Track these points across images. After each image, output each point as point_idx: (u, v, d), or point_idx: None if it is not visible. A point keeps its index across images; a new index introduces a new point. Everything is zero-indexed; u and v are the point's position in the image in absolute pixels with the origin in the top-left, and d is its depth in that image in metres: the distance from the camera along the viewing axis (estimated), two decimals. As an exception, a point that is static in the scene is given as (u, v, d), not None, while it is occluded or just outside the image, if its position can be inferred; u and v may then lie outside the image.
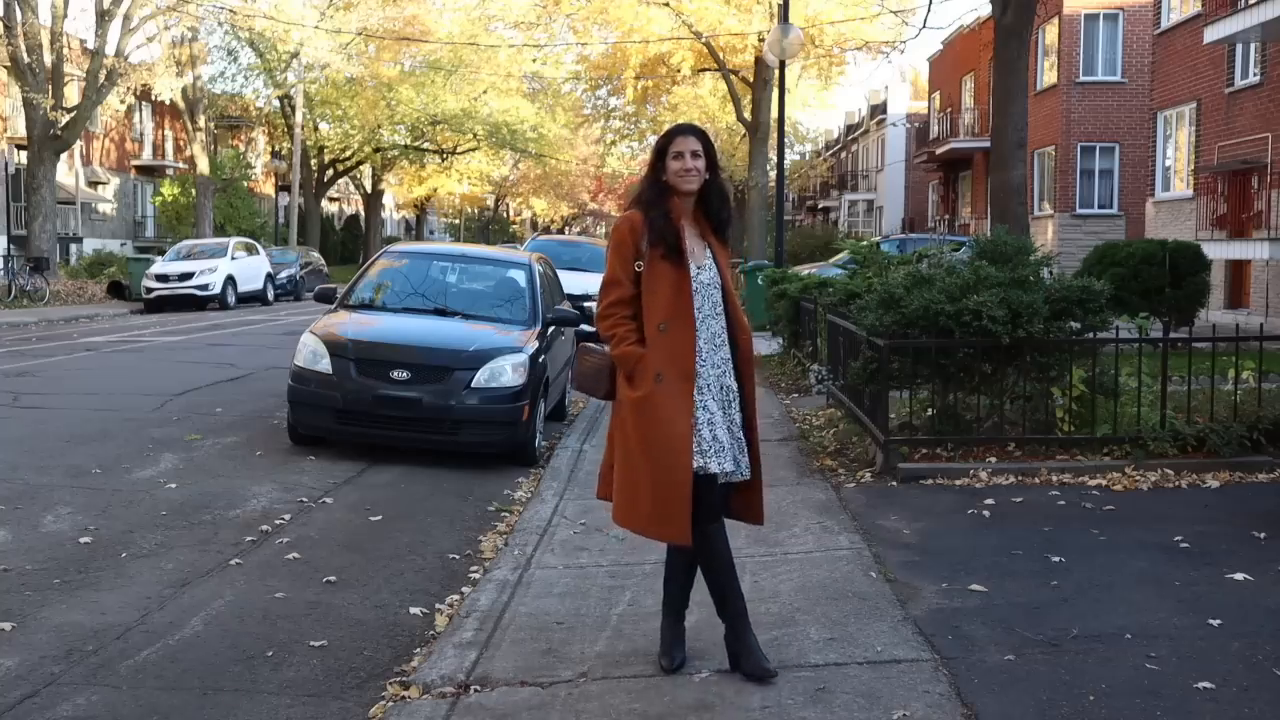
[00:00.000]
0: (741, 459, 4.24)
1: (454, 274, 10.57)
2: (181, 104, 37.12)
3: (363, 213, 61.30)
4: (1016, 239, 8.59)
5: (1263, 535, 5.97)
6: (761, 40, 25.91)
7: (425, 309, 9.73)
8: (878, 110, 54.00)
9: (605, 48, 33.35)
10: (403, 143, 49.20)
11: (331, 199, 63.40)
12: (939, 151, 37.87)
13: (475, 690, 4.25)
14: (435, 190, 59.71)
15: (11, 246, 31.55)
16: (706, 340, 4.22)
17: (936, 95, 41.96)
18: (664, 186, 4.23)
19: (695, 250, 4.25)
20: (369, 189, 56.75)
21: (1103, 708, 3.88)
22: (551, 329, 9.94)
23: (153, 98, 38.32)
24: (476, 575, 5.90)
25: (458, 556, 6.34)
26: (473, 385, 8.64)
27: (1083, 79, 28.61)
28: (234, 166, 44.93)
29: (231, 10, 34.79)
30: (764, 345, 14.66)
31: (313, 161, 48.43)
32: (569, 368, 11.52)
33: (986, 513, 6.55)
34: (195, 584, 5.64)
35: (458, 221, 79.35)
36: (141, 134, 47.05)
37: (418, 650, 4.81)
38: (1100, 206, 28.96)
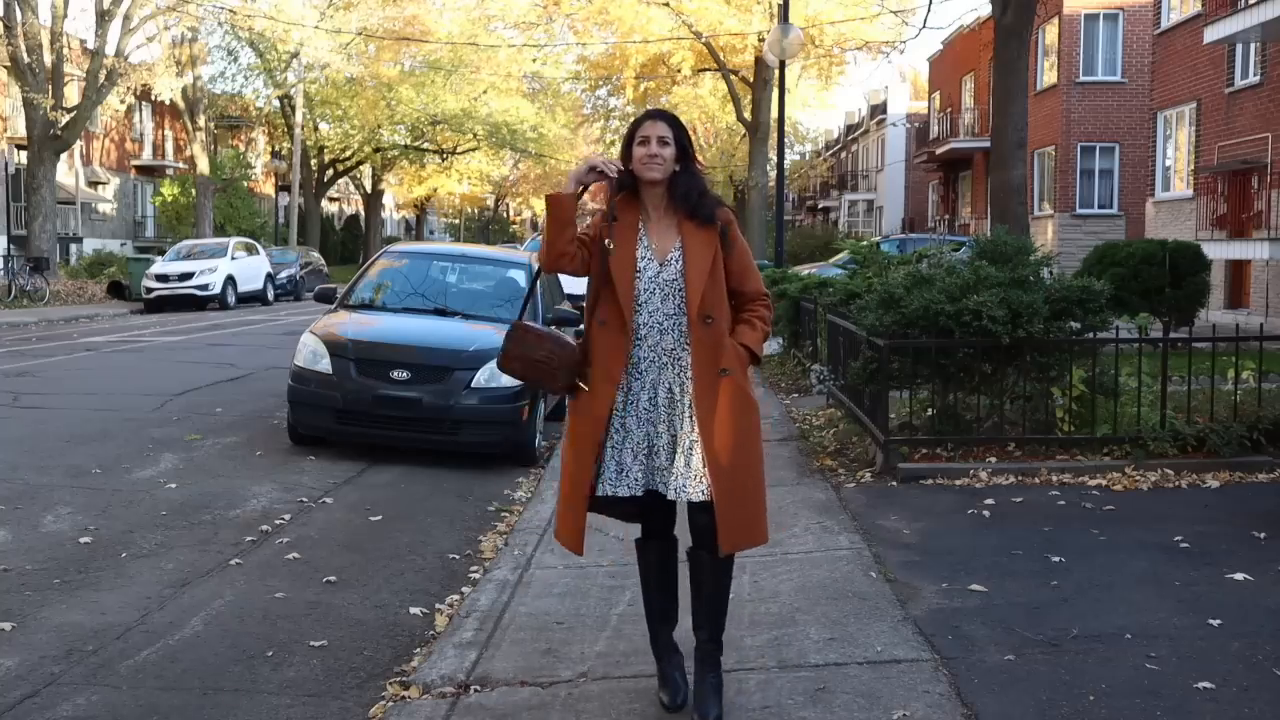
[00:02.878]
0: (679, 480, 3.81)
1: (454, 274, 10.57)
2: (181, 104, 37.14)
3: (363, 213, 61.31)
4: (1016, 239, 8.59)
5: (1263, 535, 5.96)
6: (761, 40, 25.92)
7: (425, 309, 9.73)
8: (878, 110, 53.99)
9: (605, 48, 33.37)
10: (403, 143, 49.22)
11: (331, 199, 63.40)
12: (939, 151, 37.88)
13: (475, 690, 4.25)
14: (435, 190, 59.75)
15: (11, 246, 31.56)
16: (650, 348, 3.86)
17: (936, 95, 41.96)
18: (630, 175, 3.88)
19: (658, 245, 3.88)
20: (369, 189, 56.76)
21: (1103, 708, 3.88)
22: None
23: (153, 98, 38.32)
24: (476, 575, 5.90)
25: (458, 556, 6.34)
26: (473, 385, 8.64)
27: (1083, 79, 28.61)
28: (234, 166, 44.96)
29: (231, 10, 34.79)
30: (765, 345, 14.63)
31: (313, 161, 48.44)
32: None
33: (986, 513, 6.55)
34: (195, 584, 5.64)
35: (458, 221, 79.35)
36: (141, 134, 47.04)
37: (418, 650, 4.81)
38: (1100, 206, 28.97)
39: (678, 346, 3.87)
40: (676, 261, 3.86)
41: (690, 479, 3.81)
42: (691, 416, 3.83)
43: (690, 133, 4.05)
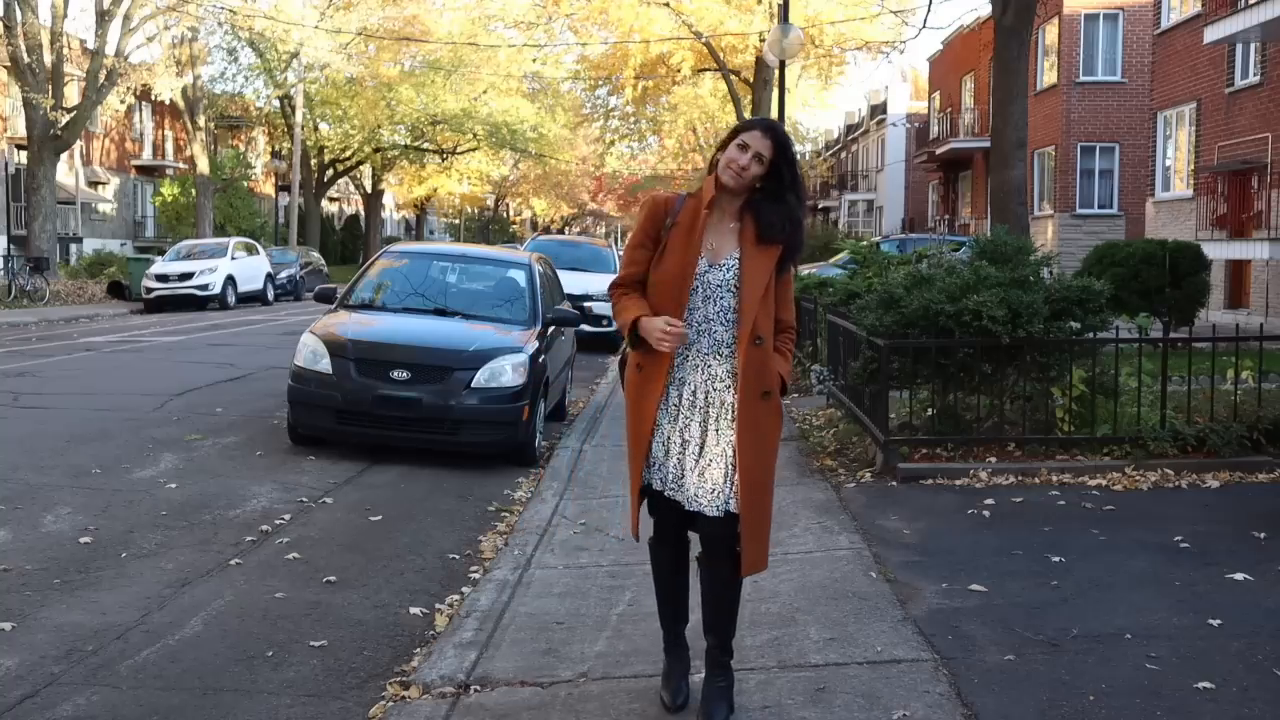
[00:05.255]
0: (692, 490, 3.78)
1: (454, 274, 10.57)
2: (181, 104, 37.16)
3: (363, 213, 61.31)
4: (1016, 239, 8.59)
5: (1263, 535, 5.97)
6: (762, 40, 25.91)
7: (425, 309, 9.73)
8: (878, 110, 53.98)
9: (605, 48, 33.38)
10: (403, 143, 49.24)
11: (331, 199, 63.40)
12: (939, 151, 37.88)
13: (475, 690, 4.25)
14: (435, 190, 59.70)
15: (11, 246, 31.55)
16: (691, 345, 3.80)
17: (936, 95, 41.97)
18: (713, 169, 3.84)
19: (716, 247, 3.80)
20: (369, 189, 56.75)
21: (1103, 708, 3.88)
22: (551, 329, 9.94)
23: (153, 98, 38.36)
24: (476, 575, 5.90)
25: (458, 556, 6.34)
26: (473, 385, 8.64)
27: (1083, 79, 28.62)
28: (234, 166, 44.97)
29: (231, 10, 34.79)
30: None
31: (313, 161, 48.44)
32: (569, 368, 11.52)
33: (986, 513, 6.55)
34: (195, 584, 5.64)
35: (458, 221, 79.30)
36: (141, 134, 47.06)
37: (418, 650, 4.81)
38: (1100, 206, 28.98)
39: (711, 353, 3.81)
40: (730, 270, 3.79)
41: (704, 492, 3.77)
42: (715, 430, 3.77)
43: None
